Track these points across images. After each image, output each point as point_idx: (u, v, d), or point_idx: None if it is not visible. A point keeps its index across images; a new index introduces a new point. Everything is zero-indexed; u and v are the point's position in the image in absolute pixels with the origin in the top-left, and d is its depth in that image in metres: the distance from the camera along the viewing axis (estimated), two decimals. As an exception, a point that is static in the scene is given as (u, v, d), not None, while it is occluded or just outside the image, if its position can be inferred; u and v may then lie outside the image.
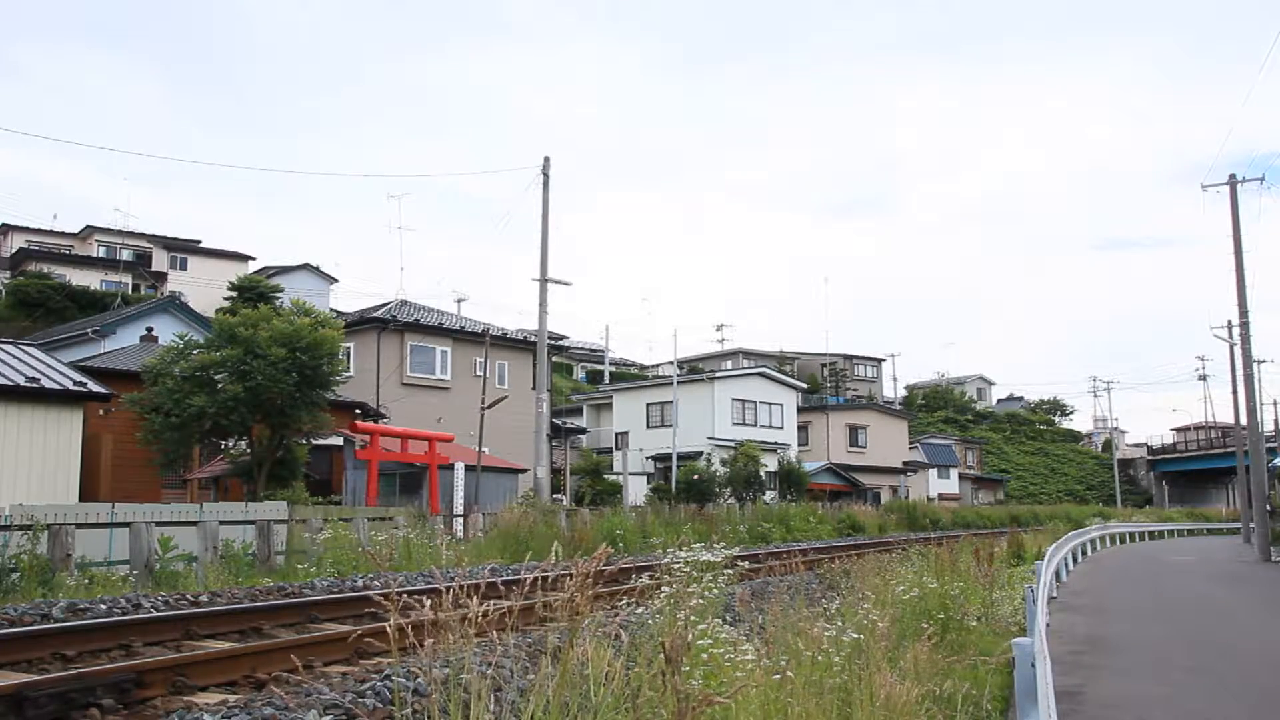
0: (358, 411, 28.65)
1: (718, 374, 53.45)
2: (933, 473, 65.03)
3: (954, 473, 67.92)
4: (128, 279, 54.54)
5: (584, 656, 4.13)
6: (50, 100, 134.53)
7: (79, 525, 13.24)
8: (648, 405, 49.37)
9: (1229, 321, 35.73)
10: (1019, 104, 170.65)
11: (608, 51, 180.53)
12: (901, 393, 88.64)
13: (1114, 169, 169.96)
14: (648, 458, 45.50)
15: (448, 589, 3.89)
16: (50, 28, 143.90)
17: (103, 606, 9.85)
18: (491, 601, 3.99)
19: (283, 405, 20.96)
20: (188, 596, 11.06)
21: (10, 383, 19.03)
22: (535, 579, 4.55)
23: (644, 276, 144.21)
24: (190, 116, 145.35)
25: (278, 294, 45.99)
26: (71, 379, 20.60)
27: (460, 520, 22.63)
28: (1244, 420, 33.68)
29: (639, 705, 4.03)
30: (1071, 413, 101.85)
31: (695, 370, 62.54)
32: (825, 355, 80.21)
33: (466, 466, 25.99)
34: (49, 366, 21.16)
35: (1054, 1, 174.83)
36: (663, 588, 7.08)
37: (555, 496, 32.67)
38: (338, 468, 26.54)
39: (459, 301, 58.38)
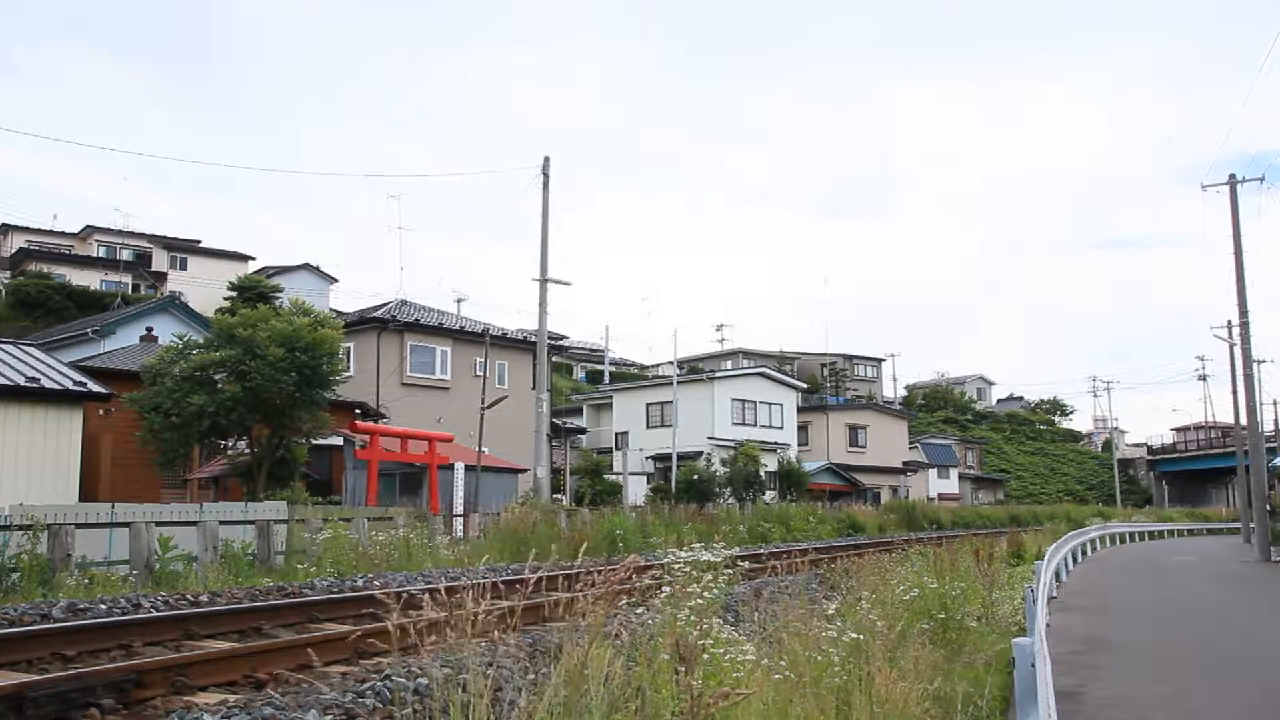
0: (358, 411, 28.64)
1: (718, 374, 53.45)
2: (933, 473, 65.03)
3: (954, 473, 67.92)
4: (128, 279, 54.56)
5: (583, 656, 4.13)
6: (50, 100, 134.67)
7: (79, 525, 13.24)
8: (648, 405, 49.36)
9: (1229, 321, 35.74)
10: (1018, 103, 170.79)
11: (608, 51, 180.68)
12: (901, 393, 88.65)
13: (1114, 169, 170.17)
14: (648, 458, 45.48)
15: (447, 589, 3.89)
16: (49, 28, 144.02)
17: (103, 606, 9.85)
18: (492, 601, 3.99)
19: (282, 405, 20.97)
20: (188, 596, 11.05)
21: (10, 383, 19.03)
22: (536, 579, 4.57)
23: (644, 276, 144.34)
24: (190, 116, 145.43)
25: (278, 294, 45.96)
26: (71, 379, 20.60)
27: (460, 520, 22.62)
28: (1244, 420, 33.68)
29: (647, 704, 4.05)
30: (1071, 413, 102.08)
31: (695, 370, 62.52)
32: (825, 355, 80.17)
33: (466, 466, 25.99)
34: (49, 366, 21.16)
35: (1054, 1, 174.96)
36: (663, 588, 7.08)
37: (555, 496, 32.65)
38: (338, 468, 26.52)
39: (459, 301, 58.51)
